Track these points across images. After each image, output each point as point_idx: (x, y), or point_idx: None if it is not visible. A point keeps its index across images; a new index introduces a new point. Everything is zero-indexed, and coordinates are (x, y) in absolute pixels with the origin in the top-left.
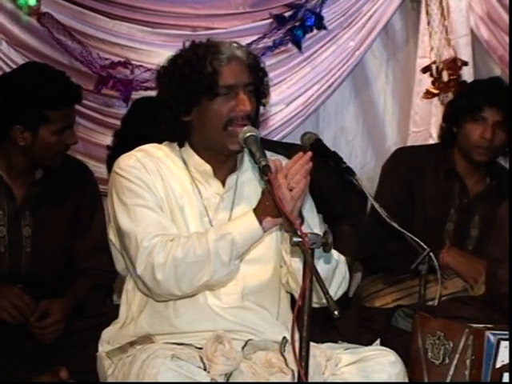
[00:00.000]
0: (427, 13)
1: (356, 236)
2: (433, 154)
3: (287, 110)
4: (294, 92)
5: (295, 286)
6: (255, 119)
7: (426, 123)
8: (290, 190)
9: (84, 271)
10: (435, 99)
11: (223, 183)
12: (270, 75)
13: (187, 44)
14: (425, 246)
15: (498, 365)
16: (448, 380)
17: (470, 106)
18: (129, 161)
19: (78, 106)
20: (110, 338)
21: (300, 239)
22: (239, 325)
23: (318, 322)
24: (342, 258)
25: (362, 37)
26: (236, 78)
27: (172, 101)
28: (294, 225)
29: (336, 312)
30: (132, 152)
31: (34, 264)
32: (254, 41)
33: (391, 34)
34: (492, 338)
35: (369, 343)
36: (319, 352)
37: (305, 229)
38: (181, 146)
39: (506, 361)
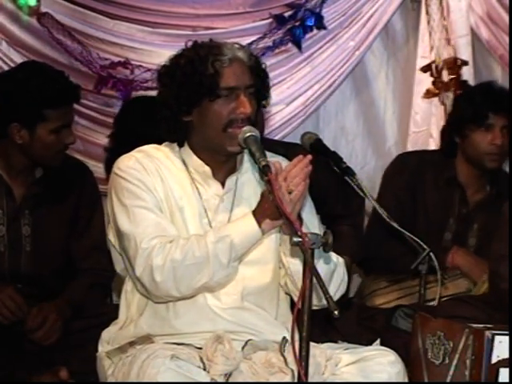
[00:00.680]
0: (427, 12)
1: (355, 236)
2: (434, 162)
3: (287, 109)
4: (293, 92)
5: (293, 288)
6: (256, 120)
7: (426, 123)
8: (289, 193)
9: (82, 271)
10: (435, 99)
11: (223, 184)
12: (270, 75)
13: (189, 44)
14: (425, 246)
15: (494, 360)
16: (448, 380)
17: (474, 115)
18: (128, 162)
19: (77, 106)
20: (109, 338)
21: (300, 239)
22: (239, 325)
23: (318, 322)
24: (341, 260)
25: (362, 37)
26: (237, 79)
27: (173, 101)
28: (294, 225)
29: (336, 312)
30: (131, 153)
31: (33, 263)
32: (254, 41)
33: (391, 33)
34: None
35: (369, 343)
36: (319, 352)
37: (304, 230)
38: (180, 146)
39: (502, 356)
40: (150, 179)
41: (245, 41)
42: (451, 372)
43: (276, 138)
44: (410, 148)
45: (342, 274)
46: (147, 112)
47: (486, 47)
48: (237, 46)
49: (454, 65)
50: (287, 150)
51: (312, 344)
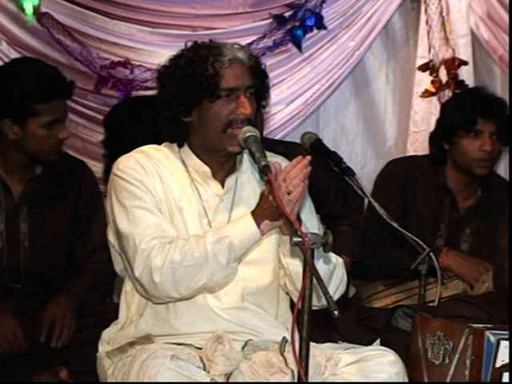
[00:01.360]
0: (426, 12)
1: (355, 236)
2: (423, 169)
3: (287, 109)
4: (293, 92)
5: (293, 289)
6: (256, 120)
7: (426, 123)
8: (288, 194)
9: (84, 270)
10: (435, 99)
11: (222, 184)
12: (270, 75)
13: (189, 44)
14: (425, 246)
15: (498, 364)
16: (448, 380)
17: (463, 121)
18: (128, 162)
19: (77, 106)
20: (109, 338)
21: (300, 239)
22: (239, 325)
23: (318, 322)
24: (340, 260)
25: (362, 37)
26: (237, 80)
27: (172, 101)
28: (294, 225)
29: (336, 312)
30: (131, 153)
31: (32, 260)
32: (254, 41)
33: (391, 33)
34: (492, 337)
35: (369, 343)
36: (319, 352)
37: (303, 230)
38: (180, 146)
39: (506, 360)
40: (150, 180)
41: (245, 41)
42: (451, 372)
43: (276, 138)
44: (409, 148)
45: (342, 274)
46: (134, 112)
47: (485, 48)
48: (236, 46)
49: (452, 64)
50: (287, 149)
51: (312, 344)
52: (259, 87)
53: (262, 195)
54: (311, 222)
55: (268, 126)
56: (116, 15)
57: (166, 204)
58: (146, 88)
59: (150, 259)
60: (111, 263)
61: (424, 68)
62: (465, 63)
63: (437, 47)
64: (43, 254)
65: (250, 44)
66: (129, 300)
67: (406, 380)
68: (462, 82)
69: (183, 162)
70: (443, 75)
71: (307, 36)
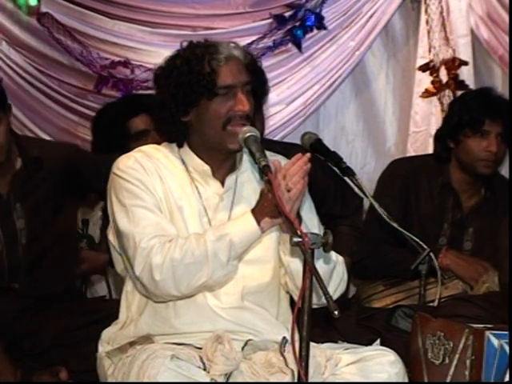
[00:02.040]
0: (426, 12)
1: (355, 236)
2: (428, 168)
3: (287, 109)
4: (293, 92)
5: (293, 287)
6: (255, 118)
7: (426, 123)
8: (288, 191)
9: None
10: (435, 99)
11: (222, 183)
12: (270, 75)
13: (185, 44)
14: (425, 246)
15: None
16: (448, 380)
17: (471, 121)
18: (127, 162)
19: (77, 106)
20: (109, 338)
21: (300, 239)
22: (239, 325)
23: (318, 322)
24: (340, 258)
25: (362, 37)
26: (234, 77)
27: (170, 101)
28: (294, 224)
29: (336, 312)
30: (131, 153)
31: (31, 255)
32: (254, 41)
33: (391, 33)
34: (492, 338)
35: (369, 343)
36: (319, 352)
37: (304, 229)
38: (180, 146)
39: None
40: (150, 179)
41: (245, 41)
42: (451, 372)
43: (276, 138)
44: (409, 148)
45: (342, 272)
46: (115, 118)
47: (485, 47)
48: (232, 44)
49: (453, 64)
50: (286, 150)
51: (312, 344)
52: (256, 84)
53: (262, 193)
54: (311, 221)
55: (268, 126)
56: (116, 15)
57: (166, 203)
58: (147, 88)
59: (150, 257)
60: None
61: (424, 68)
62: (465, 63)
63: (437, 47)
64: (42, 247)
65: (250, 44)
66: (129, 300)
67: (406, 380)
68: (463, 82)
69: (183, 162)
70: (443, 75)
71: (307, 36)
